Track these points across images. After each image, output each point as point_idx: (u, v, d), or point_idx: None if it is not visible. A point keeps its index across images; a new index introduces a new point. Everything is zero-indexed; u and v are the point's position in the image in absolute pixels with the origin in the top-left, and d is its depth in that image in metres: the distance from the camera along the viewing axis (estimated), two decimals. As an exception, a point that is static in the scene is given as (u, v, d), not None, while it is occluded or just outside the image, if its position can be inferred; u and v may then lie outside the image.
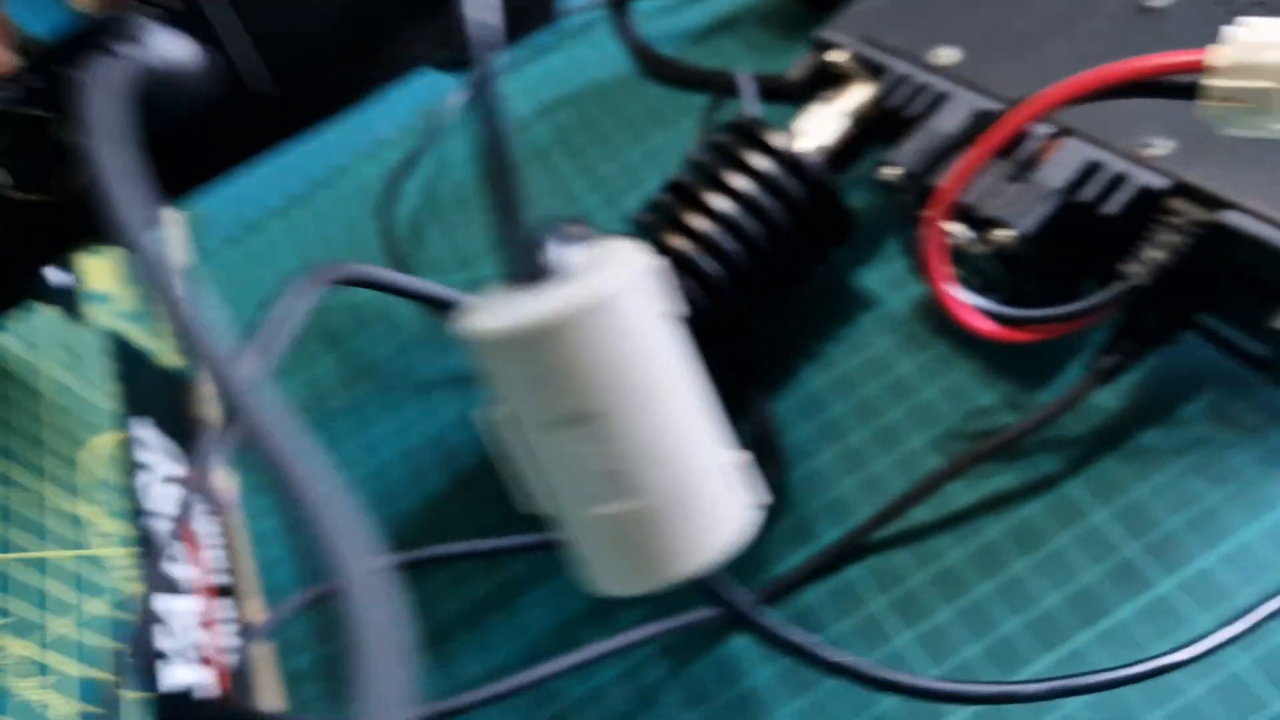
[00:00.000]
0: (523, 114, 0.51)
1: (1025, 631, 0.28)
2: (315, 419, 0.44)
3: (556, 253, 0.16)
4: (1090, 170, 0.28)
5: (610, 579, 0.16)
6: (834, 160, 0.34)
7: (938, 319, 0.35)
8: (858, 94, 0.34)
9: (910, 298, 0.36)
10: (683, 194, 0.33)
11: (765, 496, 0.17)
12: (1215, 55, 0.21)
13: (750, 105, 0.37)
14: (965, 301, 0.27)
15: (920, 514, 0.32)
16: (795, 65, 0.36)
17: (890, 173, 0.31)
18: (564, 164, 0.47)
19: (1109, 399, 0.32)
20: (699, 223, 0.32)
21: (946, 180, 0.25)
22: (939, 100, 0.31)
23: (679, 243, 0.33)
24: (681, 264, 0.32)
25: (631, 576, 0.16)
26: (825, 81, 0.35)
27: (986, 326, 0.27)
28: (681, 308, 0.16)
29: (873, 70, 0.34)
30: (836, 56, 0.34)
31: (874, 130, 0.34)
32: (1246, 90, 0.21)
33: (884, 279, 0.37)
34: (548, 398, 0.15)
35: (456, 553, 0.35)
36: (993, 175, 0.29)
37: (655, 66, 0.48)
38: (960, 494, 0.31)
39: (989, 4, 0.32)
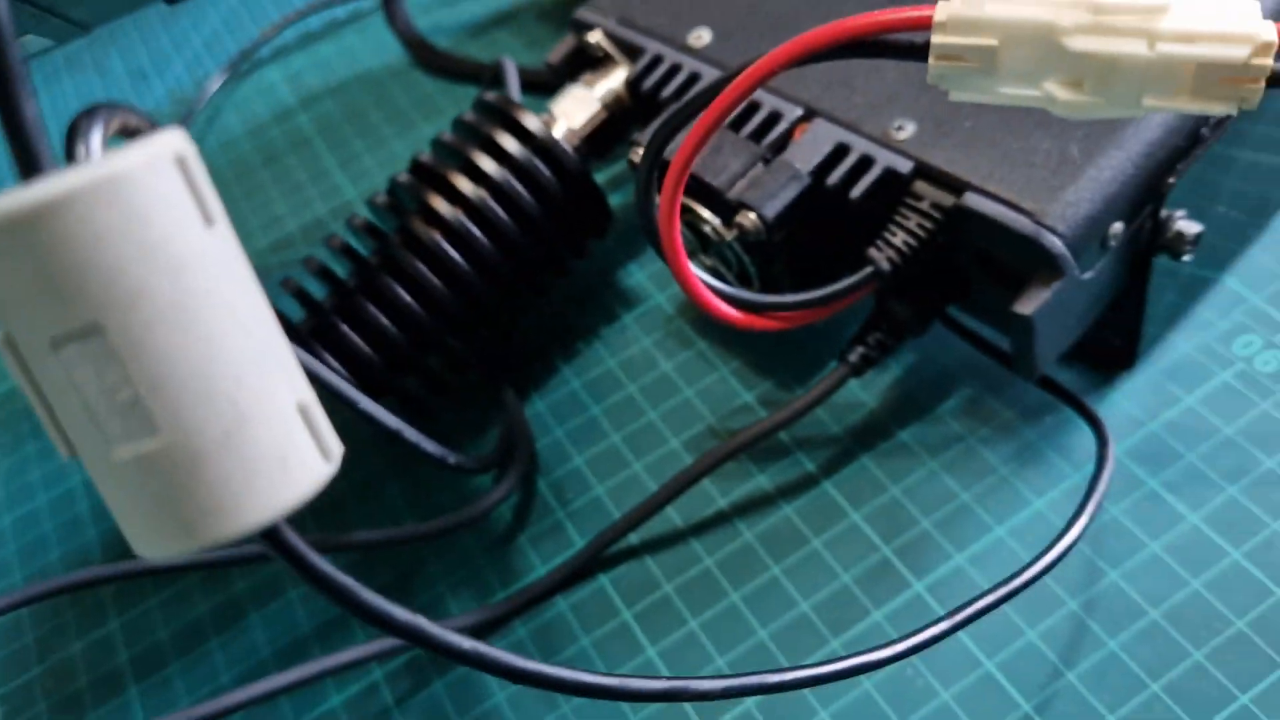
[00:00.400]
0: (286, 102, 0.47)
1: (781, 636, 0.27)
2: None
3: (89, 144, 0.13)
4: (839, 153, 0.27)
5: (144, 538, 0.13)
6: (589, 145, 0.32)
7: (702, 318, 0.34)
8: (615, 78, 0.32)
9: (674, 295, 0.35)
10: (426, 176, 0.31)
11: (337, 447, 0.14)
12: (940, 10, 0.20)
13: (513, 92, 0.35)
14: (707, 284, 0.25)
15: (678, 517, 0.30)
16: (554, 49, 0.34)
17: (635, 151, 0.29)
18: (326, 154, 0.44)
19: (866, 397, 0.31)
20: (443, 207, 0.30)
21: (676, 153, 0.23)
22: (692, 80, 0.30)
23: (420, 228, 0.30)
24: (424, 252, 0.30)
25: (168, 534, 0.12)
26: (585, 65, 0.33)
27: (731, 312, 0.26)
28: (210, 211, 0.13)
29: (629, 52, 0.32)
30: (593, 37, 0.32)
31: (632, 115, 0.32)
32: (970, 48, 0.20)
33: (650, 276, 0.35)
34: (43, 307, 0.12)
35: (176, 565, 0.31)
36: (741, 159, 0.27)
37: (427, 57, 0.46)
38: (719, 496, 0.30)
39: (746, -14, 0.31)
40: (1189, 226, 0.25)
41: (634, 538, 0.30)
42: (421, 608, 0.22)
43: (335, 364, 0.29)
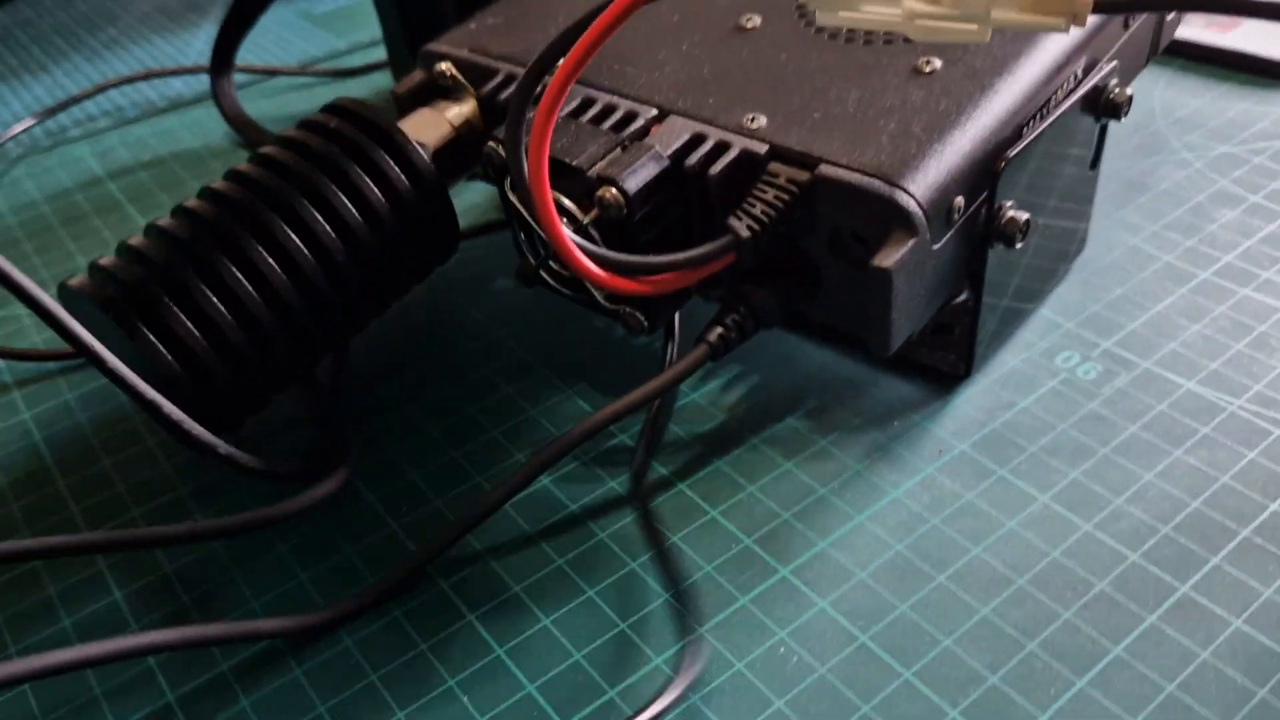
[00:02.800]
0: (93, 172, 0.44)
1: (634, 631, 0.25)
2: None
3: None
4: (696, 141, 0.27)
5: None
6: (437, 164, 0.32)
7: (543, 349, 0.33)
8: (465, 105, 0.32)
9: (516, 332, 0.34)
10: (268, 163, 0.29)
11: None
12: None
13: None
14: (576, 242, 0.24)
15: (525, 523, 0.27)
16: (401, 82, 0.34)
17: (494, 146, 0.29)
18: (138, 216, 0.41)
19: (717, 411, 0.30)
20: (286, 194, 0.28)
21: (557, 71, 0.23)
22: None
23: (265, 214, 0.28)
24: (264, 236, 0.28)
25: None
26: (434, 95, 0.33)
27: (597, 271, 0.25)
28: None
29: (481, 80, 0.32)
30: (442, 66, 0.33)
31: (481, 141, 0.32)
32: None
33: (490, 317, 0.34)
34: None
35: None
36: (601, 145, 0.28)
37: (255, 137, 0.45)
38: (569, 501, 0.28)
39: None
40: (1019, 214, 0.27)
41: (476, 542, 0.27)
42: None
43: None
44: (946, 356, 0.31)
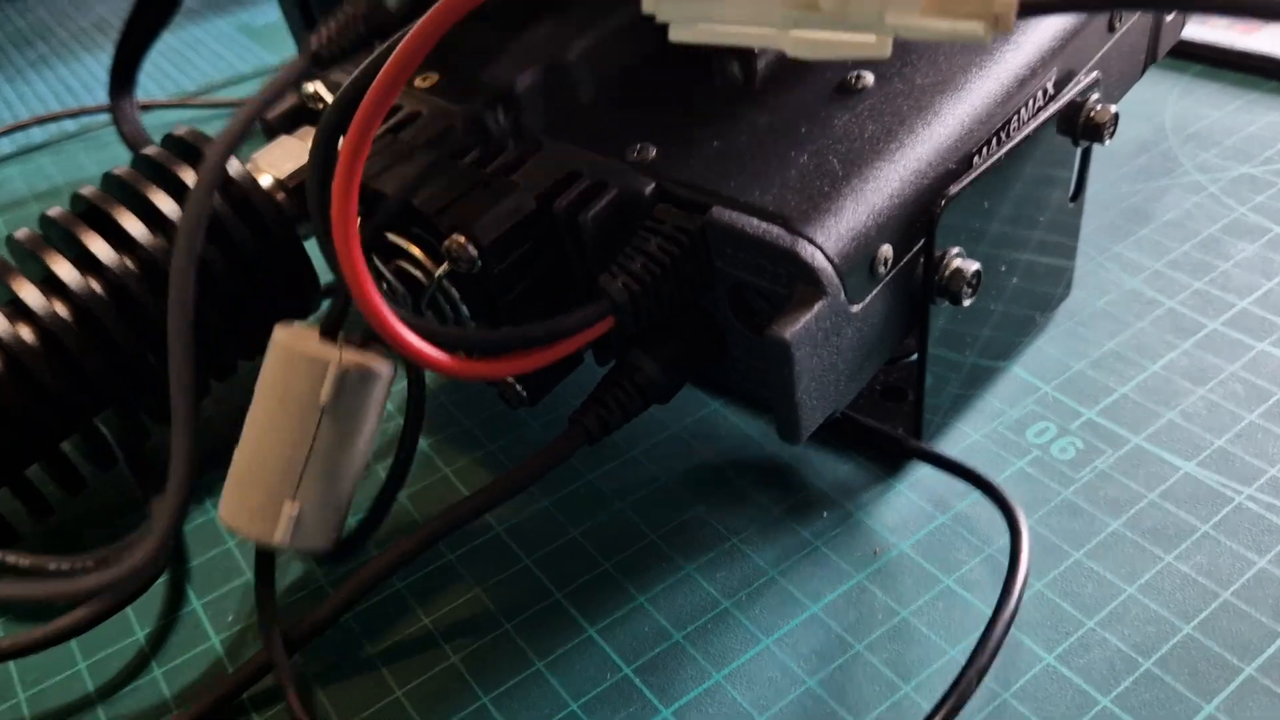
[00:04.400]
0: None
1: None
2: None
3: None
4: (570, 177, 0.23)
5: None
6: (297, 202, 0.27)
7: (467, 396, 0.28)
8: (336, 131, 0.28)
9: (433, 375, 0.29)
10: (87, 211, 0.25)
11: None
12: None
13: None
14: (398, 315, 0.20)
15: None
16: (273, 107, 0.29)
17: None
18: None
19: (608, 480, 0.25)
20: (102, 250, 0.24)
21: (356, 113, 0.18)
22: (415, 116, 0.26)
23: (71, 276, 0.24)
24: (68, 298, 0.23)
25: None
26: (304, 121, 0.29)
27: (438, 357, 0.20)
28: None
29: (355, 103, 0.28)
30: (311, 88, 0.28)
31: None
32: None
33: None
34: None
35: None
36: (458, 184, 0.23)
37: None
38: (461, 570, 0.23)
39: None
40: (967, 264, 0.22)
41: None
42: None
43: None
44: (893, 427, 0.25)
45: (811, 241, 0.20)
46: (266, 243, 0.26)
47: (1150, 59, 0.29)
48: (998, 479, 0.23)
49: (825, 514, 0.24)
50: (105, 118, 0.45)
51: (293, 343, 0.20)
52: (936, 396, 0.25)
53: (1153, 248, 0.30)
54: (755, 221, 0.20)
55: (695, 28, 0.17)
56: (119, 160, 0.42)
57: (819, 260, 0.20)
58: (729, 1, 0.16)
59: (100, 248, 0.24)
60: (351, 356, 0.20)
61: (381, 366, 0.21)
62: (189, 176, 0.26)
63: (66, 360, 0.24)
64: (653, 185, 0.22)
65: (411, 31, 0.17)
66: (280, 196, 0.27)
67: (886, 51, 0.16)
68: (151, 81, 0.47)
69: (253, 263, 0.26)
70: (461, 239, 0.21)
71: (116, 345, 0.24)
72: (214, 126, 0.44)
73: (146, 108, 0.43)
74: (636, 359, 0.22)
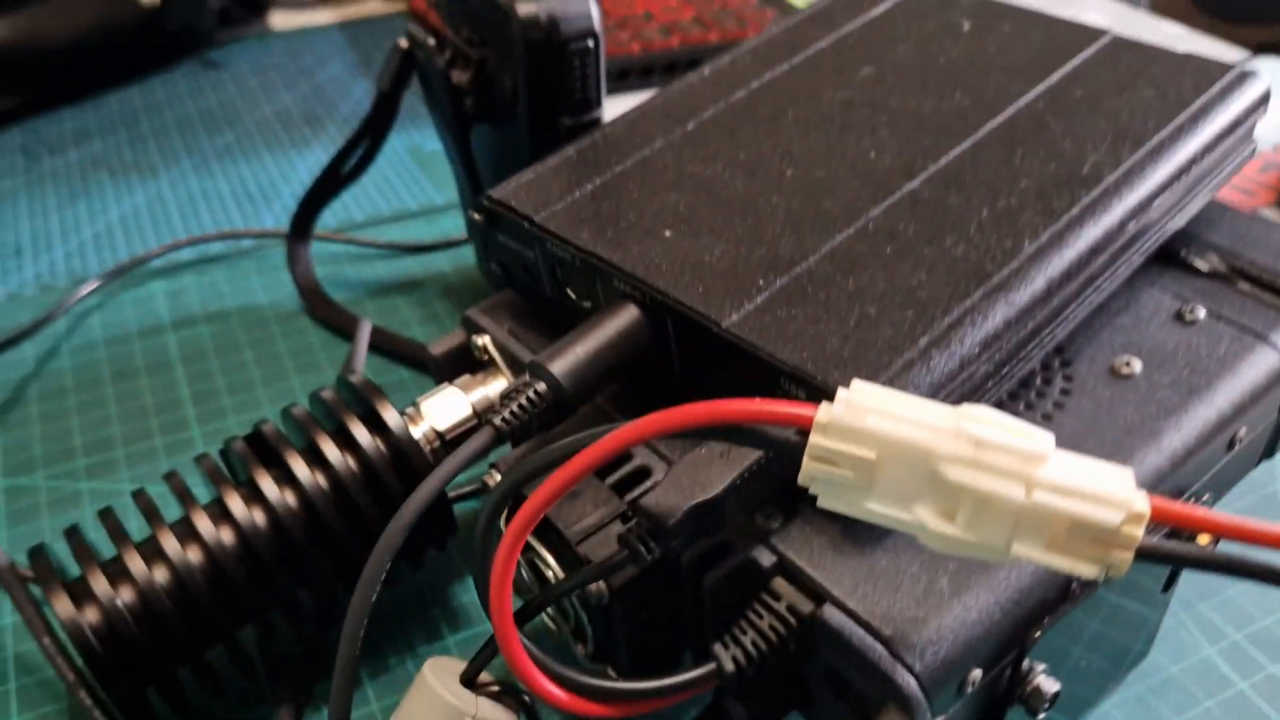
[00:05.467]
0: (159, 319, 0.44)
1: None
2: None
3: None
4: (701, 524, 0.25)
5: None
6: (449, 450, 0.30)
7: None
8: (494, 386, 0.31)
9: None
10: (262, 447, 0.28)
11: None
12: (823, 411, 0.19)
13: (358, 358, 0.34)
14: (532, 654, 0.22)
15: None
16: (439, 340, 0.32)
17: (495, 476, 0.27)
18: (182, 384, 0.41)
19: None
20: (268, 487, 0.27)
21: (526, 502, 0.21)
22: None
23: (238, 507, 0.27)
24: (234, 528, 0.27)
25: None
26: (471, 364, 0.32)
27: (554, 692, 0.23)
28: None
29: (516, 364, 0.31)
30: (481, 340, 0.31)
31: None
32: (848, 456, 0.19)
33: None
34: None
35: None
36: (599, 511, 0.25)
37: (318, 306, 0.44)
38: None
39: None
40: (1048, 684, 0.23)
41: None
42: None
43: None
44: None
45: (910, 669, 0.22)
46: (413, 487, 0.29)
47: (1267, 455, 0.30)
48: None
49: None
50: (278, 240, 0.49)
51: (437, 685, 0.23)
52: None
53: (1236, 613, 0.31)
54: (863, 635, 0.22)
55: (841, 505, 0.19)
56: (285, 285, 0.45)
57: (912, 688, 0.22)
58: (877, 497, 0.19)
59: (267, 485, 0.27)
60: (486, 711, 0.23)
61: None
62: (360, 432, 0.28)
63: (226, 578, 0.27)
64: (775, 560, 0.24)
65: (573, 460, 0.20)
66: (434, 445, 0.30)
67: (1007, 562, 0.18)
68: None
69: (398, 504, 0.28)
70: (597, 584, 0.24)
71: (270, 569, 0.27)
72: (371, 266, 0.47)
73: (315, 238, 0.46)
74: (729, 705, 0.25)
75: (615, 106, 0.62)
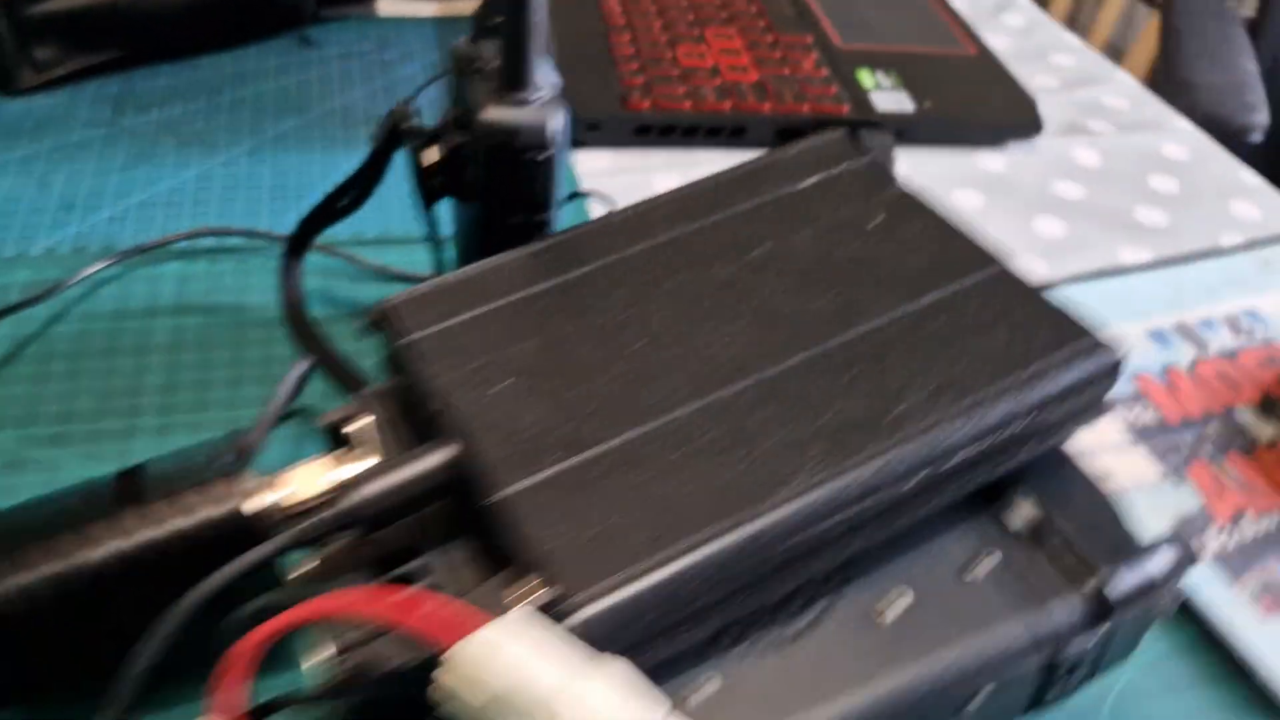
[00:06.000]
0: (163, 301, 0.49)
1: None
2: None
3: None
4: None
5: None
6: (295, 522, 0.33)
7: None
8: (357, 467, 0.34)
9: None
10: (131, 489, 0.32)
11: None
12: (454, 650, 0.22)
13: (278, 399, 0.37)
14: None
15: None
16: (333, 410, 0.36)
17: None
18: (155, 370, 0.46)
19: None
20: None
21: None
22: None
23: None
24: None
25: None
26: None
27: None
28: None
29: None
30: (364, 420, 0.34)
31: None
32: (464, 699, 0.21)
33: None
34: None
35: None
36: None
37: (294, 322, 0.48)
38: None
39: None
40: None
41: None
42: None
43: None
44: None
45: None
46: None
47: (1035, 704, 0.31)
48: None
49: None
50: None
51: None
52: None
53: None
54: None
55: None
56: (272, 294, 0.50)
57: None
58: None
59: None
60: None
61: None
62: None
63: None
64: None
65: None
66: (279, 518, 0.33)
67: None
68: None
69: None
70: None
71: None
72: (364, 286, 0.51)
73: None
74: None
75: (648, 160, 0.63)
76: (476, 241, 0.43)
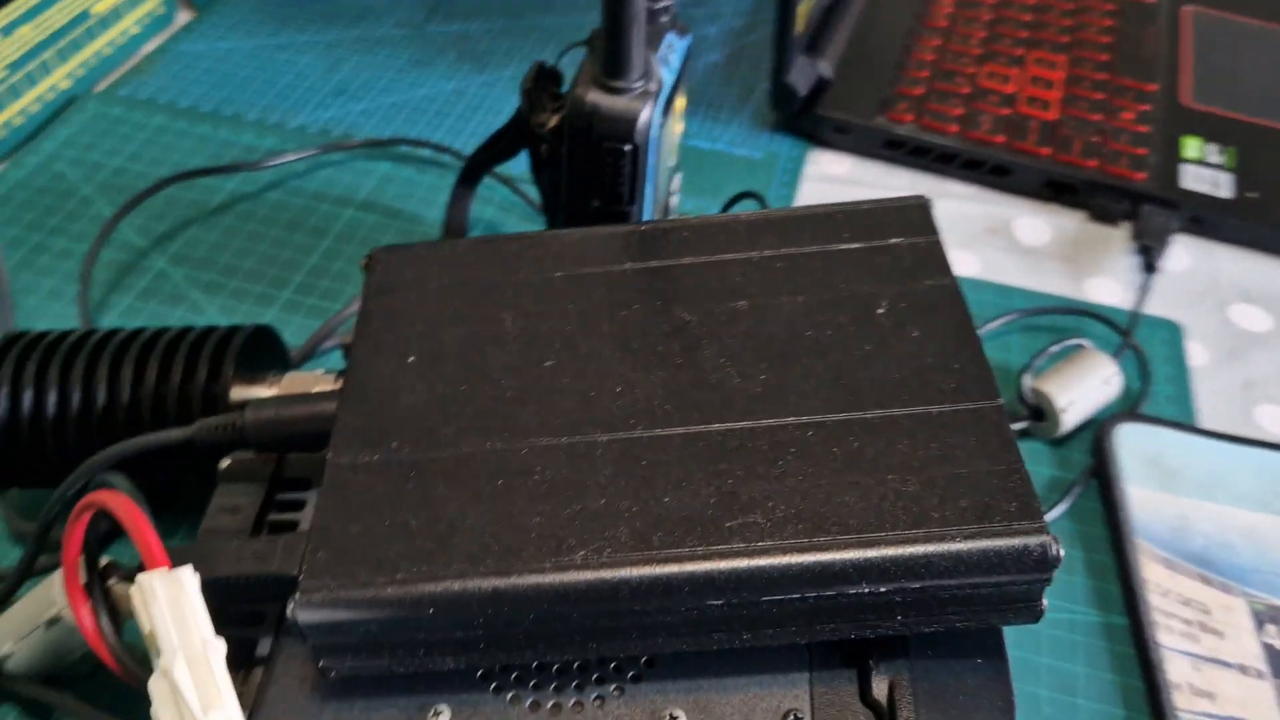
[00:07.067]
0: (351, 194, 0.54)
1: None
2: None
3: None
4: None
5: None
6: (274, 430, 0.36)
7: None
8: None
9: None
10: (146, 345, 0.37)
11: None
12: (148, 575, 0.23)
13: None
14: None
15: None
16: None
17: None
18: (312, 253, 0.51)
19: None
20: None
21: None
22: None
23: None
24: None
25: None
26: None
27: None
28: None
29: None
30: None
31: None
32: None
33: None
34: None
35: None
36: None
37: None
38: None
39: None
40: None
41: None
42: None
43: None
44: None
45: None
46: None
47: None
48: None
49: None
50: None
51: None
52: None
53: None
54: None
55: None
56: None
57: None
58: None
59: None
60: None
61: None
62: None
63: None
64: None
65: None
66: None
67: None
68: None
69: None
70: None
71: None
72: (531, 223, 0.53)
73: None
74: None
75: (891, 179, 0.58)
76: (557, 215, 0.43)
